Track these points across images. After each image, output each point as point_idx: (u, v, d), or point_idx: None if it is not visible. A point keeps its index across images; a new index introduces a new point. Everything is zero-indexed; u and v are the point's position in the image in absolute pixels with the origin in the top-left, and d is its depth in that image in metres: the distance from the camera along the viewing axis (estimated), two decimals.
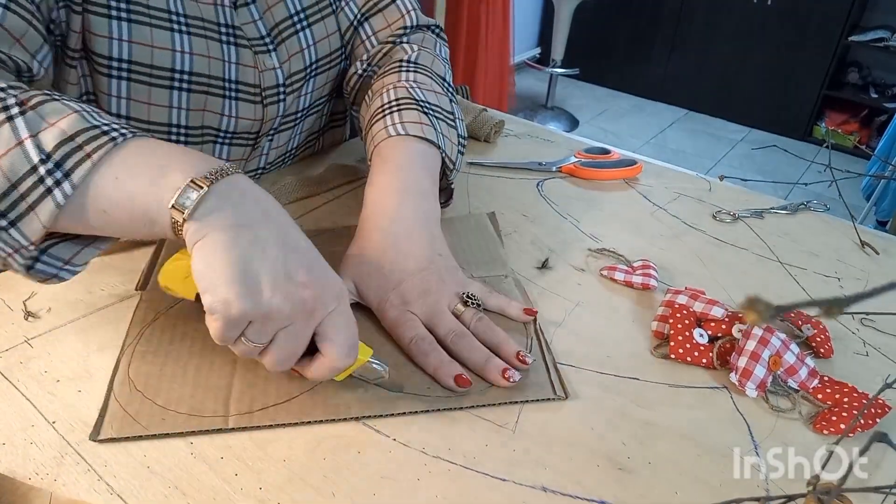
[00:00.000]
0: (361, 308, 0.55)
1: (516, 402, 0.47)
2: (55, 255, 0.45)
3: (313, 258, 0.44)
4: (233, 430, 0.44)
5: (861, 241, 0.71)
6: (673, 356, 0.52)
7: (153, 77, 0.58)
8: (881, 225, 2.21)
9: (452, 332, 0.51)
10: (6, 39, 0.48)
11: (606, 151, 0.85)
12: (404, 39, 0.73)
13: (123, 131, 0.43)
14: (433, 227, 0.58)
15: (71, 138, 0.41)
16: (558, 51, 3.45)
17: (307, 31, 0.68)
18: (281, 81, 0.66)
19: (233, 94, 0.63)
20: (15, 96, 0.42)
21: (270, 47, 0.65)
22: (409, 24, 0.73)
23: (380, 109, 0.64)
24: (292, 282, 0.41)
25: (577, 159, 0.82)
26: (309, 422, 0.45)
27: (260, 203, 0.43)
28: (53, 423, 0.44)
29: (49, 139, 0.41)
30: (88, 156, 0.41)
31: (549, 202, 0.75)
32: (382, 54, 0.73)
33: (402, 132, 0.60)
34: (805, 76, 3.36)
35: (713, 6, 3.52)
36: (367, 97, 0.69)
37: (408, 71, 0.69)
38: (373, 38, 0.73)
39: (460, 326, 0.52)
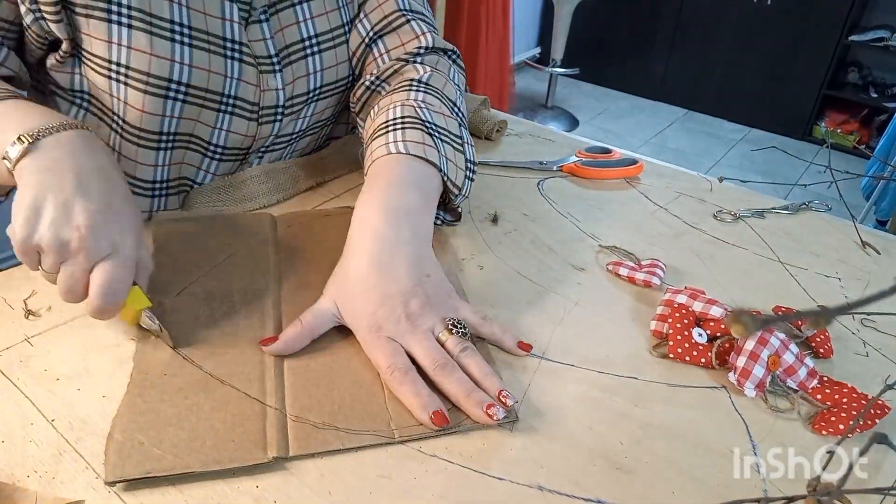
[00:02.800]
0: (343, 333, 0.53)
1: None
2: None
3: (102, 210, 0.47)
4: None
5: (862, 241, 0.71)
6: (672, 356, 0.52)
7: (149, 85, 0.58)
8: (881, 224, 2.21)
9: (437, 364, 0.48)
10: None
11: (607, 151, 0.85)
12: (418, 60, 0.70)
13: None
14: (421, 247, 0.54)
15: None
16: (558, 51, 3.45)
17: (317, 56, 0.67)
18: (281, 103, 0.65)
19: (229, 108, 0.63)
20: None
21: (277, 67, 0.64)
22: (424, 44, 0.70)
23: (383, 125, 0.61)
24: (68, 224, 0.46)
25: (577, 158, 0.82)
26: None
27: (78, 156, 0.49)
28: (52, 421, 0.43)
29: None
30: None
31: (549, 201, 0.75)
32: (393, 71, 0.69)
33: (403, 150, 0.57)
34: (805, 76, 3.36)
35: (713, 6, 3.52)
36: (372, 112, 0.67)
37: (417, 91, 0.65)
38: (385, 56, 0.70)
39: (444, 356, 0.49)
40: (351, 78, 0.72)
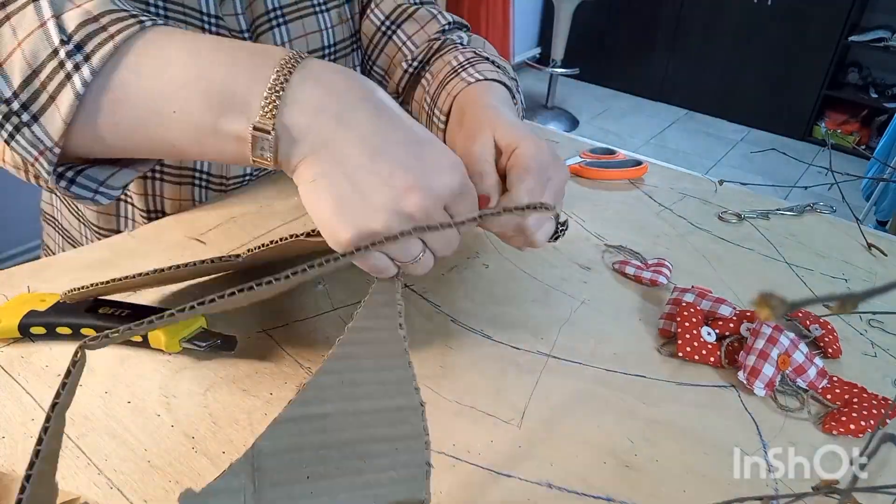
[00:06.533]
0: None
1: None
2: (91, 175, 0.43)
3: (407, 148, 0.39)
4: None
5: (868, 242, 0.71)
6: (681, 354, 0.51)
7: None
8: (881, 225, 2.21)
9: None
10: None
11: (612, 152, 0.85)
12: (447, 35, 0.72)
13: (154, 18, 0.41)
14: None
15: (95, 18, 0.39)
16: (558, 51, 3.45)
17: (283, 27, 0.66)
18: None
19: None
20: None
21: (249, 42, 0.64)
22: (443, 22, 0.73)
23: (451, 72, 0.63)
24: (392, 189, 0.38)
25: (582, 159, 0.82)
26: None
27: (331, 107, 0.39)
28: None
29: (72, 19, 0.39)
30: (112, 36, 0.38)
31: None
32: (433, 50, 0.71)
33: (482, 77, 0.60)
34: (805, 76, 3.37)
35: (713, 6, 3.52)
36: (424, 82, 0.69)
37: (465, 46, 0.69)
38: (409, 43, 0.72)
39: None
40: (329, 51, 0.72)
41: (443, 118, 0.61)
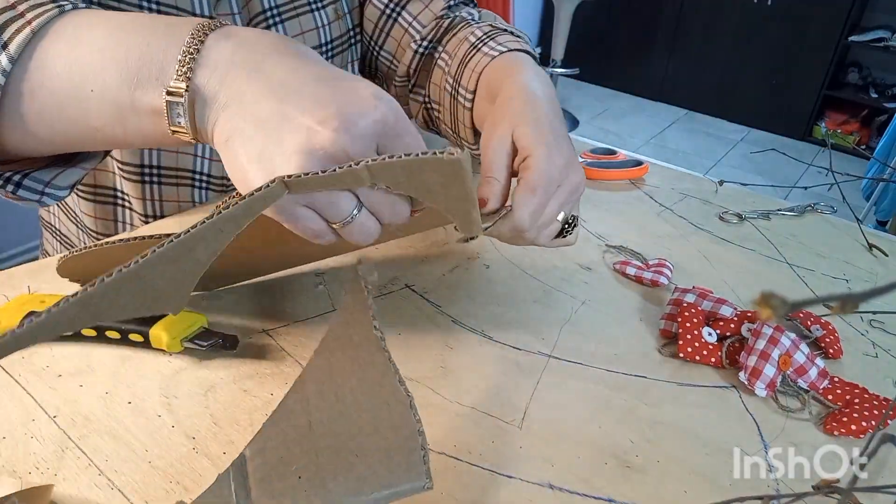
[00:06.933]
0: None
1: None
2: (37, 177, 0.43)
3: (320, 84, 0.37)
4: None
5: (869, 243, 0.71)
6: (682, 355, 0.51)
7: None
8: (881, 225, 2.21)
9: None
10: None
11: (612, 152, 0.85)
12: (455, 12, 0.71)
13: (76, 3, 0.40)
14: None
15: (12, 6, 0.38)
16: (558, 51, 3.44)
17: (279, 26, 0.66)
18: None
19: None
20: None
21: None
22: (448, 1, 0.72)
23: (471, 48, 0.62)
24: (302, 128, 0.35)
25: (582, 160, 0.82)
26: None
27: (242, 60, 0.38)
28: (54, 417, 0.43)
29: None
30: (28, 22, 0.38)
31: None
32: (443, 29, 0.70)
33: (506, 49, 0.59)
34: (805, 76, 3.37)
35: (713, 6, 3.53)
36: (441, 62, 0.68)
37: (478, 21, 0.68)
38: (416, 23, 0.71)
39: None
40: (326, 48, 0.71)
41: (469, 96, 0.61)
